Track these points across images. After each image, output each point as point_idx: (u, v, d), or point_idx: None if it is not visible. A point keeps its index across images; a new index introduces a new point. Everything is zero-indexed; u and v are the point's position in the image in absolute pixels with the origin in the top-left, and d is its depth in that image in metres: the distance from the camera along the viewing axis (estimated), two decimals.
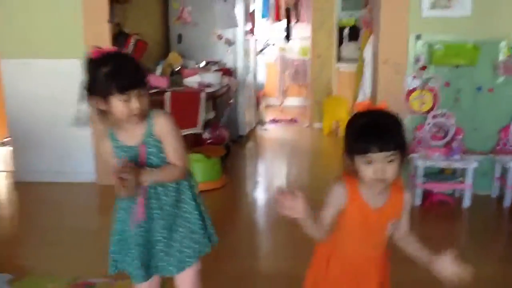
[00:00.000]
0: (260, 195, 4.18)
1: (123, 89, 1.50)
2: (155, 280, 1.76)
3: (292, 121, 7.67)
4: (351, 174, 1.41)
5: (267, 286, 2.49)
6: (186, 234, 1.69)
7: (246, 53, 6.00)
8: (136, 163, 1.58)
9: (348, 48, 6.61)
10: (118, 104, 1.52)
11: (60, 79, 4.02)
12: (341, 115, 6.39)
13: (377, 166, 1.33)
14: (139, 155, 1.61)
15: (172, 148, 1.64)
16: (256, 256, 2.91)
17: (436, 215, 3.53)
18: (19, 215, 3.62)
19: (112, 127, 1.63)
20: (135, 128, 1.61)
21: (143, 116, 1.59)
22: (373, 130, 1.34)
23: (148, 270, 1.67)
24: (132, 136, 1.61)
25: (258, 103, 7.10)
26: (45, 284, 2.40)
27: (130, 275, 1.70)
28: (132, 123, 1.59)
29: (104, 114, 1.58)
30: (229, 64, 5.83)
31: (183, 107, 4.05)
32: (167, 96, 4.06)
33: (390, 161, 1.33)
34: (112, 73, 1.50)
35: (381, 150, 1.31)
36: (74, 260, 2.75)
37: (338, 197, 1.44)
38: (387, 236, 1.51)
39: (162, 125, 1.62)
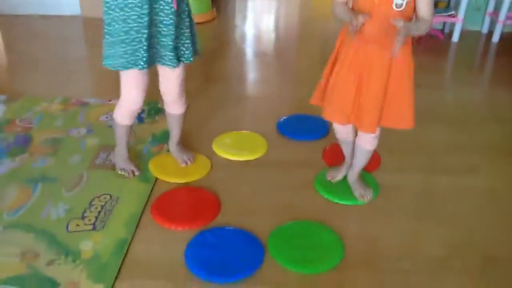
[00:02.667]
0: (249, 29, 4.11)
1: None
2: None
3: None
4: None
5: (252, 106, 2.58)
6: (187, 37, 1.72)
7: None
8: None
9: None
10: None
11: None
12: None
13: None
14: None
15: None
16: (243, 80, 2.98)
17: (425, 48, 3.54)
18: (5, 48, 3.54)
19: None
20: None
21: None
22: None
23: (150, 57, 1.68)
24: None
25: None
26: (39, 102, 2.45)
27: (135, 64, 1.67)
28: None
29: None
30: None
31: None
32: None
33: None
34: None
35: None
36: (65, 83, 2.77)
37: None
38: (397, 15, 1.43)
39: None
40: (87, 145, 2.10)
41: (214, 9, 4.09)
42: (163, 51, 1.68)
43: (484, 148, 2.18)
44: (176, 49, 1.69)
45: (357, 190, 1.80)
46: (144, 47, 1.62)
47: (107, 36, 1.63)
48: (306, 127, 2.27)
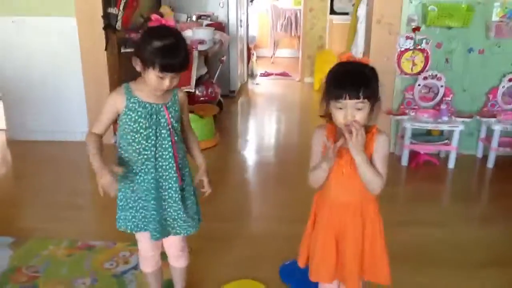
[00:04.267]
0: (251, 155, 4.25)
1: (164, 69, 1.57)
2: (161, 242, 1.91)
3: (284, 74, 7.65)
4: (328, 120, 1.56)
5: (257, 246, 2.60)
6: (192, 203, 1.84)
7: (238, 3, 5.88)
8: (158, 124, 1.67)
9: (342, 1, 6.55)
10: (153, 78, 1.58)
11: (52, 37, 3.98)
12: None
13: (347, 112, 1.45)
14: (164, 115, 1.68)
15: (187, 117, 1.84)
16: (245, 217, 3.02)
17: (422, 175, 3.65)
18: (14, 175, 3.67)
19: (132, 86, 1.67)
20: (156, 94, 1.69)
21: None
22: (346, 78, 1.47)
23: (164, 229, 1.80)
24: (155, 96, 1.67)
25: (249, 57, 7.06)
26: (47, 246, 2.50)
27: (150, 232, 1.77)
28: (157, 93, 1.66)
29: (136, 73, 1.66)
30: (221, 17, 5.75)
31: None
32: None
33: (359, 108, 1.45)
34: (160, 50, 1.55)
35: (350, 98, 1.43)
36: (73, 221, 2.84)
37: (319, 138, 1.58)
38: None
39: (183, 97, 1.78)
40: None
41: (217, 134, 4.26)
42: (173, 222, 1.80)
43: None
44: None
45: None
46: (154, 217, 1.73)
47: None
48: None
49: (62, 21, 3.92)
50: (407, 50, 3.81)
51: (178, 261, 1.97)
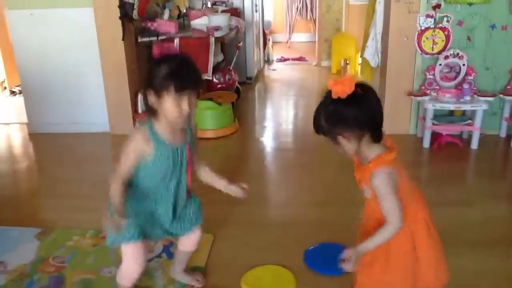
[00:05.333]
0: (270, 141, 4.23)
1: (179, 89, 1.54)
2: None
3: (300, 59, 7.59)
4: None
5: (278, 233, 2.58)
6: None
7: None
8: (180, 164, 1.71)
9: None
10: (171, 105, 1.56)
11: (68, 28, 4.00)
12: (350, 53, 6.33)
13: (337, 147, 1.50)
14: (187, 155, 1.72)
15: (198, 147, 1.85)
16: (267, 203, 3.01)
17: (444, 157, 3.58)
18: (37, 168, 3.72)
19: (156, 127, 1.65)
20: (177, 129, 1.69)
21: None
22: (317, 122, 1.47)
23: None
24: (176, 136, 1.69)
25: (265, 42, 7.01)
26: (71, 237, 2.53)
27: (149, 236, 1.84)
28: (178, 125, 1.66)
29: (153, 112, 1.63)
30: (236, 3, 5.71)
31: (193, 53, 3.95)
32: (176, 42, 4.02)
33: (336, 144, 1.48)
34: (170, 72, 1.54)
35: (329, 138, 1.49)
36: (96, 211, 2.82)
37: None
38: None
39: (194, 129, 1.80)
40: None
41: (236, 121, 4.25)
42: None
43: None
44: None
45: None
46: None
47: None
48: (335, 259, 2.26)
49: (79, 12, 3.92)
50: (427, 29, 3.73)
51: (192, 247, 2.00)
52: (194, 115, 1.72)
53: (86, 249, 2.43)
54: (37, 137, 4.18)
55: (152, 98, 1.59)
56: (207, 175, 1.88)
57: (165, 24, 4.19)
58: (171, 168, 1.68)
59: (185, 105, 1.57)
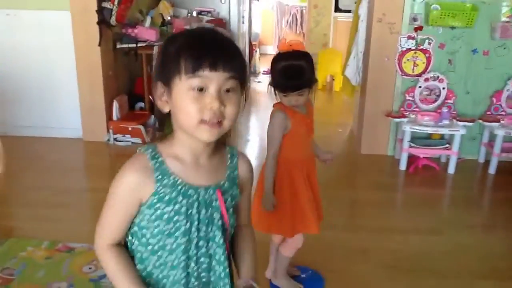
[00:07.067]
0: (252, 155, 4.15)
1: (196, 67, 0.89)
2: None
3: None
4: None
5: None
6: None
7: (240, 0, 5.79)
8: (204, 221, 0.98)
9: None
10: (187, 97, 0.91)
11: (44, 31, 3.91)
12: (336, 69, 6.30)
13: (291, 98, 1.85)
14: (218, 206, 0.99)
15: (248, 205, 1.13)
16: None
17: (420, 180, 3.53)
18: (4, 174, 3.59)
19: (163, 147, 0.99)
20: (204, 154, 1.01)
21: (222, 143, 1.04)
22: (288, 76, 1.83)
23: None
24: (201, 169, 1.00)
25: (251, 54, 6.96)
26: (25, 247, 2.42)
27: None
28: (202, 146, 0.98)
29: (162, 122, 1.02)
30: (222, 13, 5.65)
31: None
32: (155, 50, 3.95)
33: (300, 94, 1.83)
34: (186, 43, 0.94)
35: (292, 91, 1.82)
36: (56, 221, 2.76)
37: (283, 120, 1.89)
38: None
39: (247, 169, 1.08)
40: None
41: None
42: None
43: None
44: None
45: None
46: None
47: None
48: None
49: (56, 15, 3.85)
50: (408, 50, 3.69)
51: None
52: (234, 123, 0.96)
53: (38, 261, 2.32)
54: (5, 140, 4.05)
55: (157, 89, 0.97)
56: (240, 250, 1.11)
57: (146, 32, 4.12)
58: (187, 227, 0.97)
59: (207, 99, 0.90)
